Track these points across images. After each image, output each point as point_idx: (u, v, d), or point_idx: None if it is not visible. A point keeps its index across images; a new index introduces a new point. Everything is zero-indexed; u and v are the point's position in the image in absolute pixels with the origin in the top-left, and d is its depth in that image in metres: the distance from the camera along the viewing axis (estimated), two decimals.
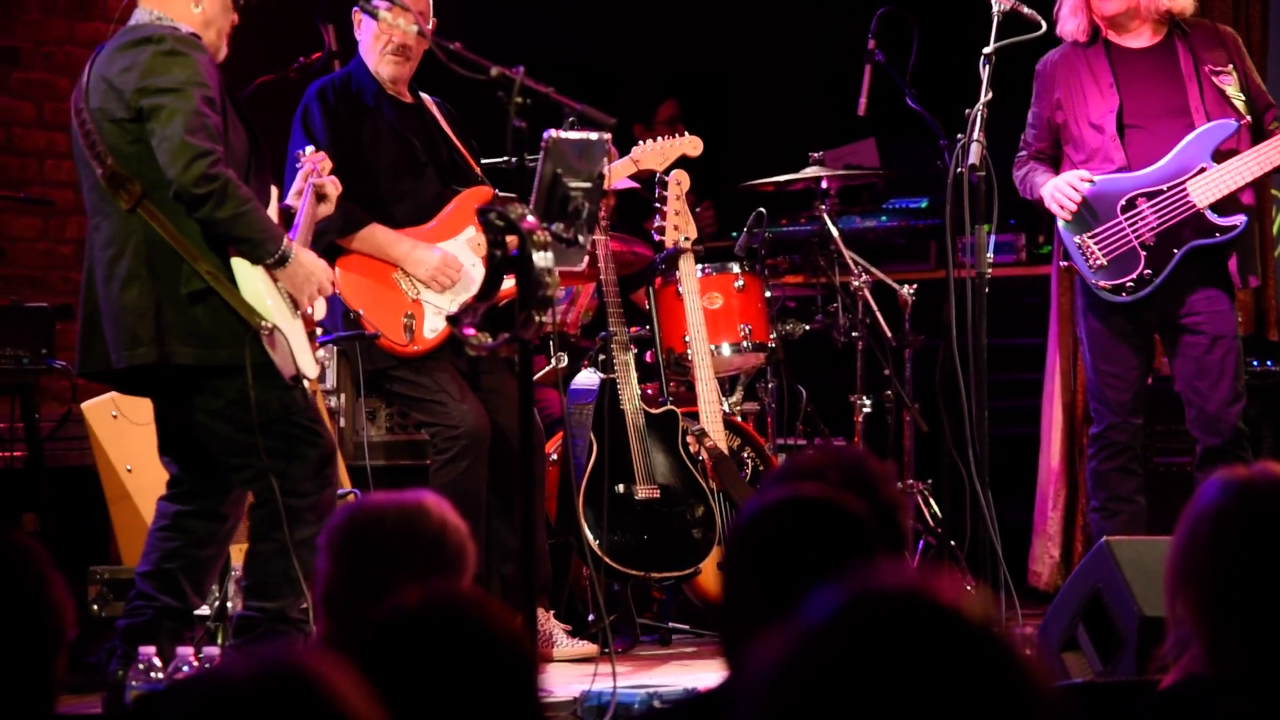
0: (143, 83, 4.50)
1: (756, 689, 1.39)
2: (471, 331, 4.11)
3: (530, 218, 3.97)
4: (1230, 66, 5.69)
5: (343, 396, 5.77)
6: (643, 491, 5.93)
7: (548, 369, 6.10)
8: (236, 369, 4.54)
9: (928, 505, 6.89)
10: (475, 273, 5.68)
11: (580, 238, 4.17)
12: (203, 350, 4.55)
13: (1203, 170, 5.58)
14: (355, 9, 5.58)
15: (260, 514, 4.67)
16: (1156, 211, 5.61)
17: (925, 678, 1.40)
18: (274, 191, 4.86)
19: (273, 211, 4.79)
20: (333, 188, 4.93)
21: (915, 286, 6.95)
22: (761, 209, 6.89)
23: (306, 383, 4.68)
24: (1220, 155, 5.61)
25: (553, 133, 4.11)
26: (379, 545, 2.82)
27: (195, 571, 4.74)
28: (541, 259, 3.94)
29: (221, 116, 4.57)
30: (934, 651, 1.41)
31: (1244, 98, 5.66)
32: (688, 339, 6.20)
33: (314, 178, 4.90)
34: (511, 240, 3.94)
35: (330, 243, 5.54)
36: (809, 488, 2.22)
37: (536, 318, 4.00)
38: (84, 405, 5.61)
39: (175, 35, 4.56)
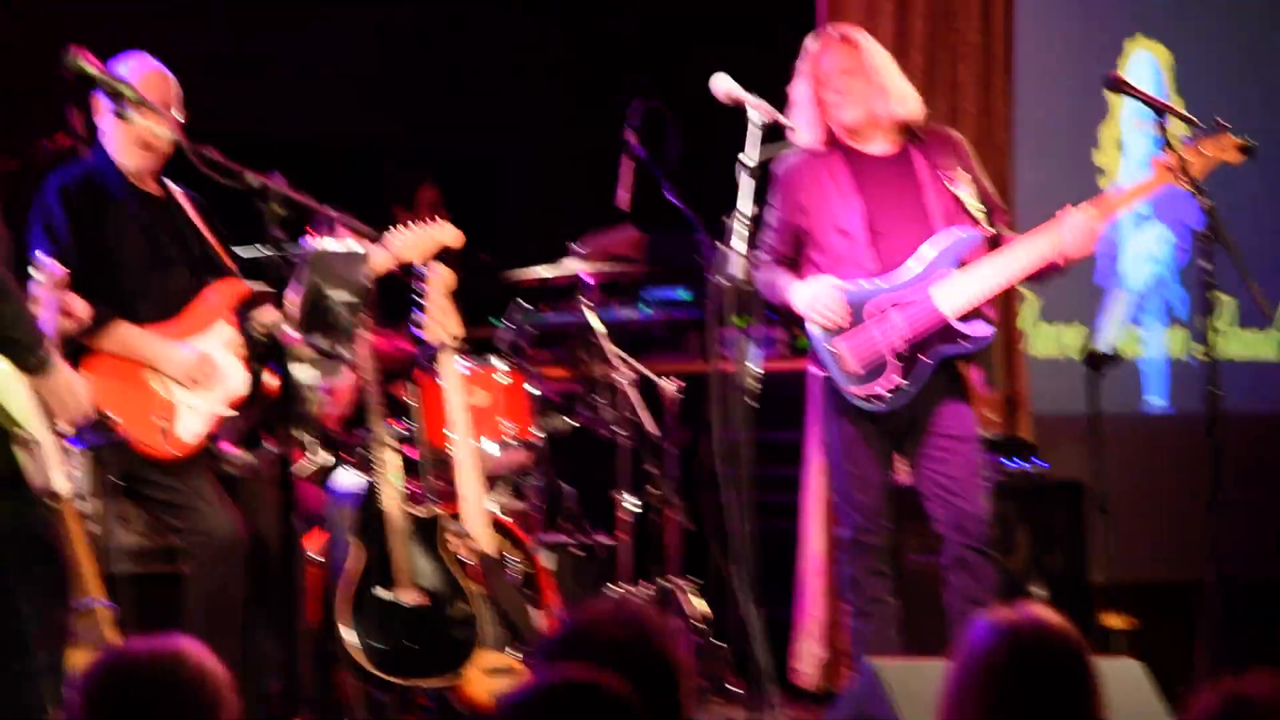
0: None
1: None
2: (232, 449, 3.99)
3: (291, 331, 3.86)
4: (963, 173, 5.80)
5: (94, 501, 5.56)
6: (405, 596, 5.81)
7: (305, 464, 5.95)
8: None
9: (691, 603, 6.89)
10: (231, 369, 5.52)
11: (342, 350, 4.08)
12: None
13: (947, 278, 5.66)
14: (95, 92, 5.37)
15: None
16: (907, 319, 5.66)
17: None
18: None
19: None
20: (81, 307, 4.75)
21: (682, 382, 6.96)
22: (523, 302, 6.85)
23: (59, 498, 4.48)
24: (962, 264, 5.69)
25: (313, 244, 4.02)
26: (134, 699, 2.69)
27: None
28: (303, 373, 3.83)
29: None
30: None
31: (979, 205, 5.77)
32: (451, 436, 6.12)
33: (56, 292, 4.70)
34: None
35: (75, 343, 5.35)
36: (575, 670, 2.15)
37: (297, 434, 3.90)
38: None
39: None
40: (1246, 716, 2.64)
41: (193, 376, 5.48)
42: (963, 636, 2.81)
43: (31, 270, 4.76)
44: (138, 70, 5.50)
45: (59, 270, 4.72)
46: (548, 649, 2.50)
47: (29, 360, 4.35)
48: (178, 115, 5.50)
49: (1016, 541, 6.85)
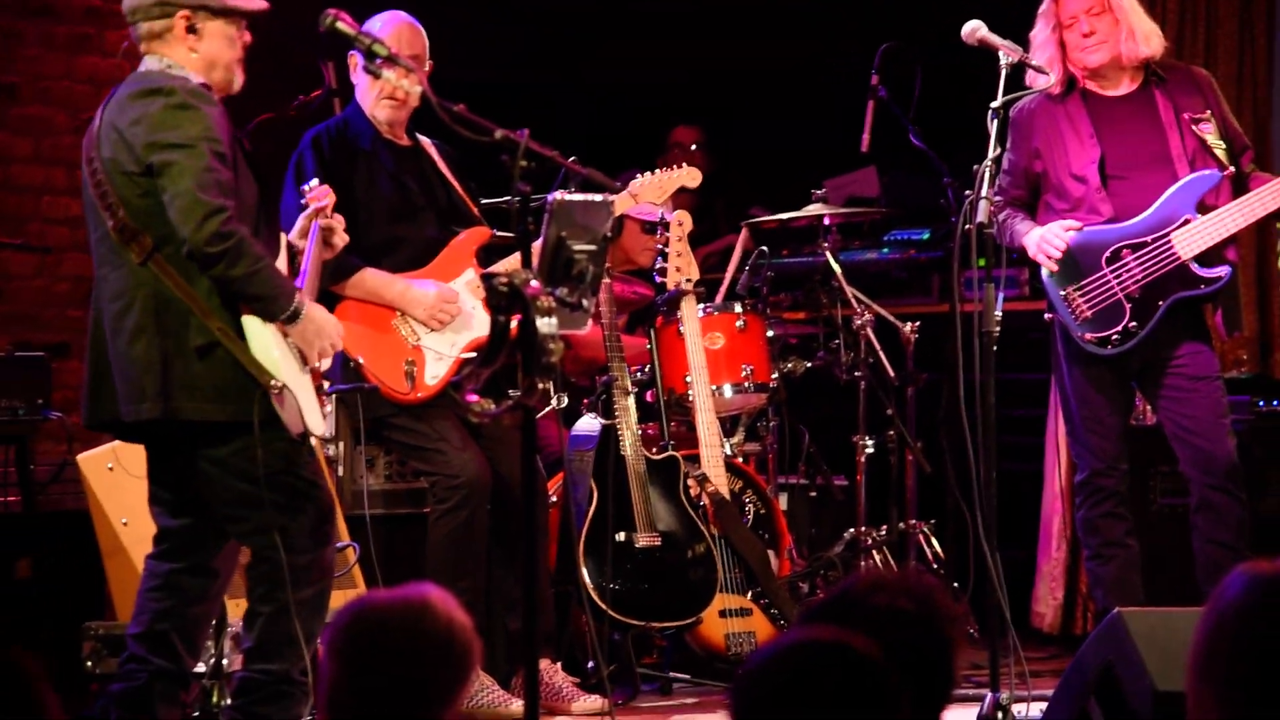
0: (153, 137, 4.42)
1: None
2: (473, 398, 4.04)
3: (534, 283, 3.89)
4: (1208, 113, 5.64)
5: (341, 445, 5.70)
6: (643, 539, 5.87)
7: (547, 409, 6.03)
8: (242, 424, 4.46)
9: (929, 545, 6.86)
10: (476, 314, 5.62)
11: (584, 301, 4.10)
12: (209, 405, 4.46)
13: (1187, 222, 5.53)
14: (352, 51, 5.50)
15: (258, 572, 4.59)
16: (1141, 263, 5.55)
17: None
18: (284, 238, 4.78)
19: (282, 259, 4.70)
20: (340, 230, 4.87)
21: (918, 323, 6.90)
22: (764, 247, 6.85)
23: (314, 440, 4.62)
24: (1203, 206, 5.56)
25: (558, 195, 4.05)
26: (385, 648, 2.75)
27: (188, 630, 4.66)
28: (545, 325, 3.86)
29: (233, 168, 4.48)
30: None
31: (1224, 145, 5.61)
32: (689, 380, 6.15)
33: (321, 219, 4.83)
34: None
35: (325, 290, 5.48)
36: (821, 631, 2.15)
37: (540, 384, 3.93)
38: (80, 457, 5.53)
39: (186, 87, 4.47)
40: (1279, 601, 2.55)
41: (434, 314, 5.58)
42: (1218, 587, 2.73)
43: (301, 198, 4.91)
44: (390, 24, 5.62)
45: (324, 196, 4.83)
46: (816, 607, 2.49)
47: (274, 312, 4.47)
48: (427, 66, 5.60)
49: (1270, 482, 6.67)
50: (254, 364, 4.44)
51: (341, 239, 4.91)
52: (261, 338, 4.47)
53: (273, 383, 4.44)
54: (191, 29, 4.55)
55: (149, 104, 4.46)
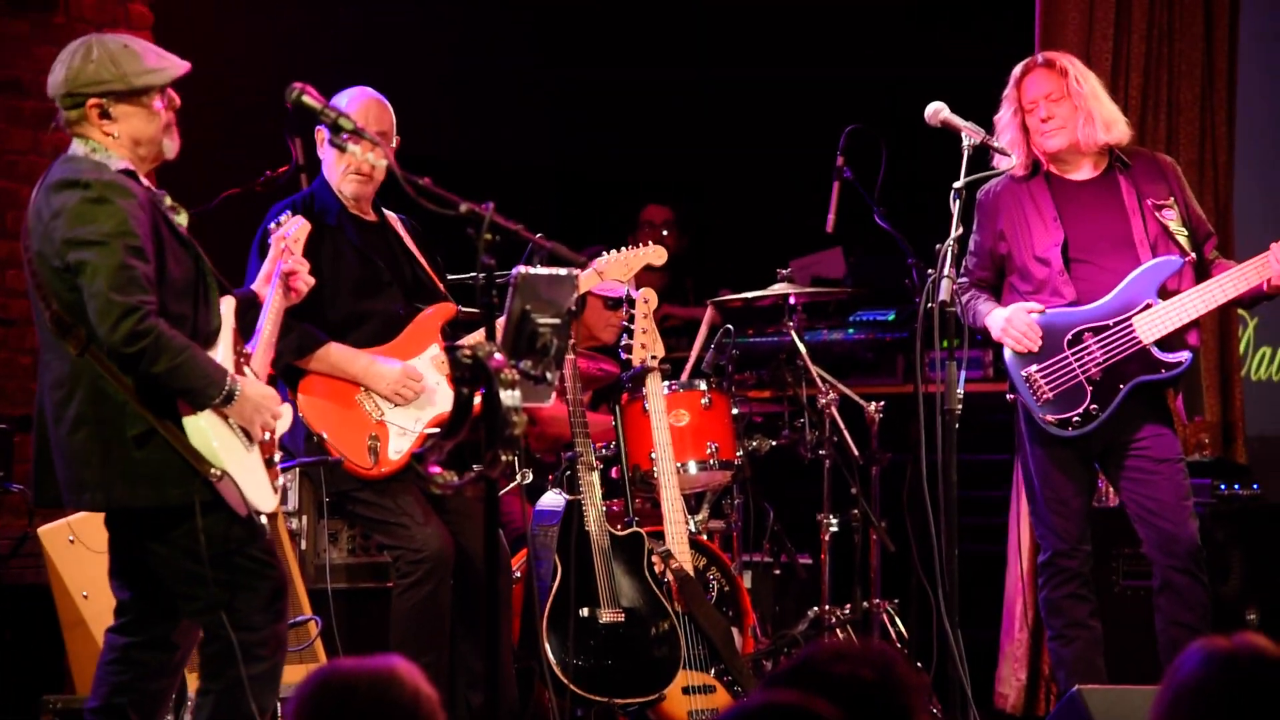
0: (69, 233, 4.37)
1: None
2: (436, 470, 4.04)
3: (498, 355, 3.90)
4: (1171, 199, 5.71)
5: (304, 519, 5.69)
6: (607, 615, 5.86)
7: (512, 485, 6.04)
8: (186, 507, 4.44)
9: (893, 624, 6.86)
10: (440, 390, 5.62)
11: (549, 374, 4.10)
12: (150, 491, 4.44)
13: (1149, 306, 5.60)
14: (319, 126, 5.52)
15: (210, 651, 4.55)
16: (1103, 347, 5.61)
17: None
18: (229, 303, 4.73)
19: (229, 326, 4.66)
20: (304, 273, 4.86)
21: (883, 403, 6.93)
22: (729, 326, 6.88)
23: (264, 517, 4.59)
24: (1165, 291, 5.62)
25: (522, 269, 4.06)
26: (351, 716, 2.74)
27: (146, 705, 4.62)
28: (509, 398, 3.87)
29: (156, 256, 4.42)
30: None
31: (1186, 231, 5.69)
32: (654, 456, 6.16)
33: (285, 260, 4.82)
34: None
35: (289, 365, 5.48)
36: (784, 695, 2.16)
37: (503, 456, 3.93)
38: (40, 530, 5.50)
39: (103, 179, 4.42)
40: (1236, 677, 2.57)
41: (398, 390, 5.58)
42: (1174, 663, 2.75)
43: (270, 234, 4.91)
44: (357, 99, 5.64)
45: (294, 228, 4.82)
46: (778, 675, 2.50)
47: (203, 401, 4.45)
48: (394, 142, 5.62)
49: (1231, 566, 6.70)
50: (191, 452, 4.42)
51: (306, 283, 4.89)
52: (197, 425, 4.44)
53: (212, 471, 4.42)
54: (104, 114, 4.50)
55: (67, 197, 4.41)
